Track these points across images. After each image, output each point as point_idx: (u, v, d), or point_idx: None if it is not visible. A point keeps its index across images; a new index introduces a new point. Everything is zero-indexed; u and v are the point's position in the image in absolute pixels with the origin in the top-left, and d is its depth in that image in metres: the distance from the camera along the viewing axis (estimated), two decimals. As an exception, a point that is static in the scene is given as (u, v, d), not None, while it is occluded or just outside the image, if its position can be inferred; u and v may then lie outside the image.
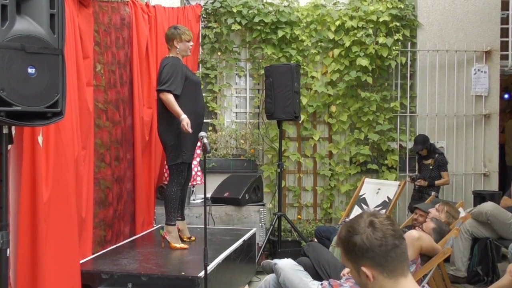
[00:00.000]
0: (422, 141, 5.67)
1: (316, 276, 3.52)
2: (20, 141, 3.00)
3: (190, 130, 4.03)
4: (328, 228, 5.17)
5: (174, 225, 4.29)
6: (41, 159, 3.10)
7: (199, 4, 6.04)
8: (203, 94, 5.97)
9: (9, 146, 2.70)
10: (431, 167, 5.67)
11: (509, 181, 5.49)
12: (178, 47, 4.26)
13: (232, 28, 5.98)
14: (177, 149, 4.20)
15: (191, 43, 4.33)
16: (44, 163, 3.15)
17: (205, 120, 5.76)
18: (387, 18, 6.06)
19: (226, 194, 5.38)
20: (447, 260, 4.47)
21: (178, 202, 4.33)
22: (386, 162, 6.21)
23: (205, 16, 6.11)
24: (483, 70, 6.20)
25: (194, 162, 5.35)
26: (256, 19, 5.97)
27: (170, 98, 4.08)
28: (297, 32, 6.06)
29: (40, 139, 3.09)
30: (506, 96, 8.24)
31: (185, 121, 4.02)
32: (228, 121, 6.30)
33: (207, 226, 3.48)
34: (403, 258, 1.67)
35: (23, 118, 2.49)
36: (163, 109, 4.20)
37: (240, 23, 6.02)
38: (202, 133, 3.67)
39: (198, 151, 5.29)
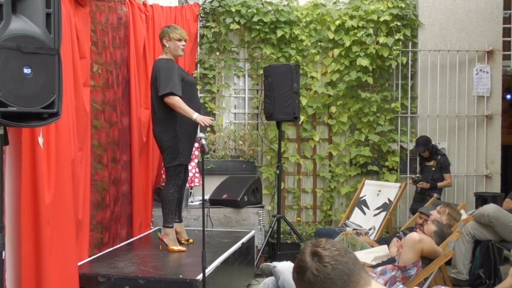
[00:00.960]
0: (424, 142, 5.60)
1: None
2: (19, 142, 2.96)
3: (208, 122, 4.04)
4: (328, 230, 5.13)
5: (172, 227, 4.26)
6: (41, 160, 3.06)
7: (197, 3, 5.98)
8: (201, 95, 5.98)
9: (5, 147, 2.65)
10: (433, 169, 5.61)
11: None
12: (167, 45, 4.22)
13: (231, 27, 5.93)
14: (174, 151, 4.15)
15: (183, 43, 4.26)
16: (45, 164, 3.10)
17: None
18: (387, 18, 6.01)
19: (224, 196, 5.33)
20: (448, 262, 4.45)
21: (176, 204, 4.30)
22: (386, 163, 6.16)
23: (203, 16, 6.06)
24: (485, 70, 6.15)
25: (192, 164, 5.31)
26: (255, 19, 5.92)
27: (177, 99, 4.04)
28: (296, 31, 6.01)
29: (40, 140, 3.04)
30: (508, 96, 8.18)
31: (199, 118, 4.01)
32: (226, 122, 6.25)
33: (205, 229, 3.47)
34: (358, 268, 1.66)
35: (19, 119, 2.46)
36: (159, 110, 4.16)
37: (238, 23, 5.97)
38: (200, 134, 3.65)
39: (196, 152, 5.24)
